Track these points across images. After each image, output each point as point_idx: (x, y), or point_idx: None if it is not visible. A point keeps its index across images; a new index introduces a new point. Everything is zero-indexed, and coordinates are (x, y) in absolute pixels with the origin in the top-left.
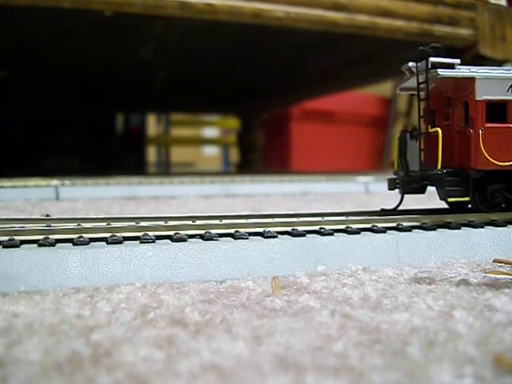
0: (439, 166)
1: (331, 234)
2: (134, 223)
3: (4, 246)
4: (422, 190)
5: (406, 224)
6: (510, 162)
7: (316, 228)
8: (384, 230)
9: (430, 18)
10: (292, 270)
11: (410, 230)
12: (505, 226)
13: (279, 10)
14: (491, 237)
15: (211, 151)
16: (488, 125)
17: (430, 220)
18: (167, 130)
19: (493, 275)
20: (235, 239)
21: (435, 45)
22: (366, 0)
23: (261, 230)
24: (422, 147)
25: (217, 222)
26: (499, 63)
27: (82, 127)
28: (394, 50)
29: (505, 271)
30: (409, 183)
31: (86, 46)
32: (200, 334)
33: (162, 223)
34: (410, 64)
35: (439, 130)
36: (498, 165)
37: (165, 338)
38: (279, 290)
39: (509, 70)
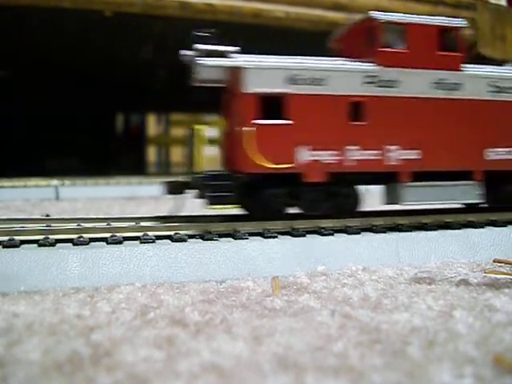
0: (199, 169)
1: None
2: (134, 223)
3: (4, 246)
4: (202, 196)
5: (405, 223)
6: (286, 164)
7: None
8: (384, 230)
9: None
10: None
11: (410, 230)
12: (505, 226)
13: (279, 9)
14: (491, 237)
15: (211, 151)
16: (259, 122)
17: (430, 220)
18: (167, 129)
19: (493, 275)
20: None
21: (204, 31)
22: (365, 0)
23: None
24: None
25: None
26: (499, 63)
27: (81, 127)
28: None
29: (505, 271)
30: (181, 187)
31: (86, 46)
32: (200, 334)
33: (161, 224)
34: (184, 52)
35: (201, 128)
36: (271, 167)
37: (165, 338)
38: (279, 290)
39: (291, 58)
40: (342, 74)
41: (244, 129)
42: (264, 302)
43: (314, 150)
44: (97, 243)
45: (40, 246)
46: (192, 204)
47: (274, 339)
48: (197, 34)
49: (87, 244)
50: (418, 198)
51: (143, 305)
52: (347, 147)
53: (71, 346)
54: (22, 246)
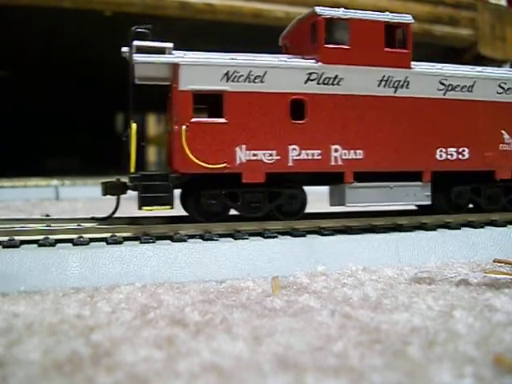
0: (132, 169)
1: None
2: (133, 223)
3: (4, 246)
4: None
5: (405, 223)
6: (223, 164)
7: None
8: (384, 230)
9: (430, 17)
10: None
11: (411, 230)
12: (505, 226)
13: (279, 10)
14: (491, 237)
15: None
16: (195, 120)
17: (430, 220)
18: None
19: (493, 275)
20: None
21: (141, 28)
22: (365, 0)
23: None
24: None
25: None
26: (499, 63)
27: (81, 127)
28: None
29: (505, 271)
30: (119, 188)
31: (86, 45)
32: (200, 334)
33: (161, 224)
34: (124, 49)
35: (134, 125)
36: (207, 167)
37: (165, 338)
38: (279, 290)
39: (229, 54)
40: (282, 71)
41: (179, 127)
42: (264, 301)
43: (253, 149)
44: (97, 243)
45: (40, 246)
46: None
47: (274, 339)
48: (135, 29)
49: (87, 244)
50: (362, 199)
51: (143, 305)
52: (288, 147)
53: (71, 346)
54: (22, 246)
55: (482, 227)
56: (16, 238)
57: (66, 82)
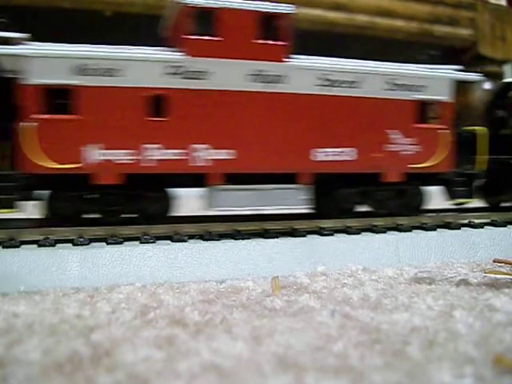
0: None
1: None
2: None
3: (4, 247)
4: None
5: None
6: (72, 164)
7: None
8: (384, 230)
9: (430, 18)
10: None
11: (410, 230)
12: (505, 226)
13: None
14: (491, 237)
15: None
16: (42, 116)
17: (430, 220)
18: None
19: (493, 275)
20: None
21: None
22: (365, 0)
23: None
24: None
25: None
26: (499, 63)
27: None
28: (394, 50)
29: (505, 271)
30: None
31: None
32: (200, 334)
33: (161, 224)
34: None
35: None
36: (53, 168)
37: (165, 338)
38: (279, 290)
39: (82, 47)
40: (139, 64)
41: (24, 124)
42: (264, 301)
43: (106, 148)
44: (97, 243)
45: (40, 246)
46: None
47: (274, 339)
48: None
49: (87, 244)
50: (232, 202)
51: (143, 305)
52: (145, 146)
53: (71, 345)
54: (22, 246)
55: (482, 227)
56: (16, 238)
57: None
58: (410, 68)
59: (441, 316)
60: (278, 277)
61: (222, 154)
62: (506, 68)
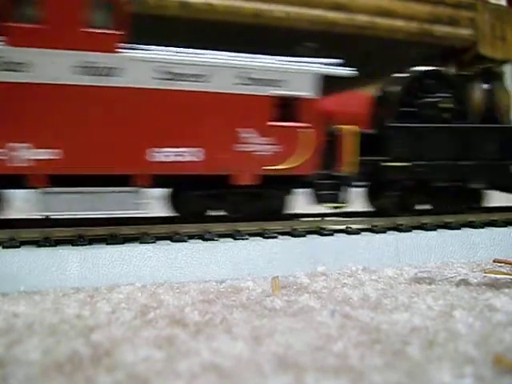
0: None
1: None
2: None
3: (4, 247)
4: None
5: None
6: None
7: None
8: (384, 231)
9: (430, 18)
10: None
11: (411, 230)
12: (505, 226)
13: (279, 10)
14: (491, 237)
15: None
16: None
17: (430, 220)
18: None
19: (493, 275)
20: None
21: None
22: (365, 0)
23: None
24: None
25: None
26: (499, 63)
27: None
28: (394, 50)
29: (505, 271)
30: None
31: None
32: (200, 334)
33: (161, 224)
34: None
35: None
36: None
37: (165, 338)
38: (279, 290)
39: None
40: None
41: None
42: (264, 301)
43: None
44: (97, 244)
45: (40, 246)
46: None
47: (274, 339)
48: None
49: (87, 244)
50: (63, 207)
51: (143, 305)
52: None
53: (71, 345)
54: (22, 246)
55: (482, 227)
56: (16, 238)
57: None
58: (269, 61)
59: (441, 316)
60: (277, 277)
61: (45, 154)
62: (506, 68)
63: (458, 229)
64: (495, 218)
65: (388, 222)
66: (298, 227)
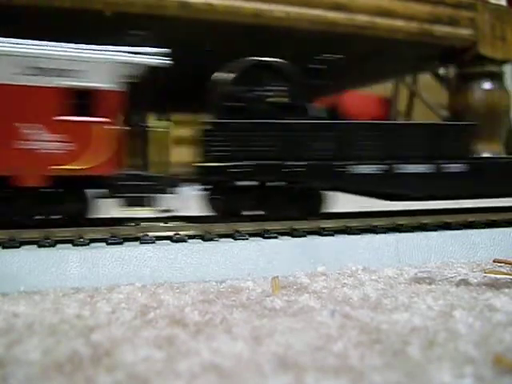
0: None
1: None
2: (133, 224)
3: (4, 247)
4: None
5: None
6: None
7: None
8: (384, 231)
9: (430, 18)
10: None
11: (411, 231)
12: (505, 226)
13: (279, 10)
14: (491, 237)
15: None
16: None
17: (430, 220)
18: None
19: (493, 275)
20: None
21: None
22: (365, 0)
23: None
24: None
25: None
26: (499, 63)
27: None
28: (394, 50)
29: (505, 271)
30: None
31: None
32: (200, 334)
33: (161, 224)
34: None
35: None
36: None
37: (165, 338)
38: (279, 290)
39: None
40: None
41: None
42: (264, 301)
43: None
44: (97, 244)
45: (40, 246)
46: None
47: (274, 339)
48: None
49: (87, 244)
50: None
51: (143, 305)
52: None
53: (71, 345)
54: (22, 246)
55: (482, 227)
56: (16, 238)
57: None
58: (59, 49)
59: (441, 316)
60: (277, 277)
61: None
62: (506, 68)
63: (458, 229)
64: (495, 218)
65: (388, 222)
66: (298, 227)
